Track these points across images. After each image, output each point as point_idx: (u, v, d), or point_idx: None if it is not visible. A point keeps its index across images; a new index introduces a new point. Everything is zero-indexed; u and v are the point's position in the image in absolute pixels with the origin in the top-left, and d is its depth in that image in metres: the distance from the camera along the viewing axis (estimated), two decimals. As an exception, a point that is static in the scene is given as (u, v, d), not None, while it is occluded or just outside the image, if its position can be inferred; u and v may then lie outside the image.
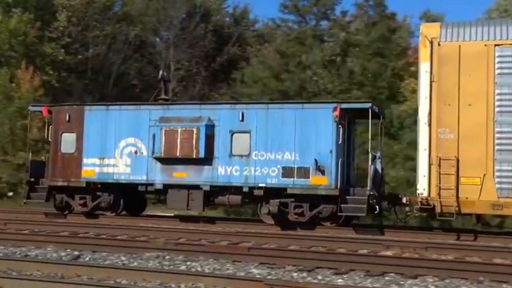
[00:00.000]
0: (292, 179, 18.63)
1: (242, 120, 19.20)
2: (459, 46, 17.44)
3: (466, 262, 12.05)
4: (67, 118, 21.02)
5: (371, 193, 18.02)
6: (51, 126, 21.42)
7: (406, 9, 78.09)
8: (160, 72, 22.16)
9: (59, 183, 21.01)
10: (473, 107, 17.16)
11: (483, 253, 13.57)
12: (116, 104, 21.64)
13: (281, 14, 38.13)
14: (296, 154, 18.61)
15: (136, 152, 20.22)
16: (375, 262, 11.52)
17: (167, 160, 19.72)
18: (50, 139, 21.41)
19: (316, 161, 18.34)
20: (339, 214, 18.30)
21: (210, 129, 19.40)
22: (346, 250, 13.79)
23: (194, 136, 19.35)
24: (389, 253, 13.60)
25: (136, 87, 42.54)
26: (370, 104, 18.61)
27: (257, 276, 10.46)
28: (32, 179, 21.32)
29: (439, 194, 17.21)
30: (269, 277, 10.38)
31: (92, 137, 20.72)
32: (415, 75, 33.67)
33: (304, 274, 10.74)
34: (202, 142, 19.27)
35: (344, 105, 18.69)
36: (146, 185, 20.20)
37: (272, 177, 18.80)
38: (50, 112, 21.40)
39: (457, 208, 17.09)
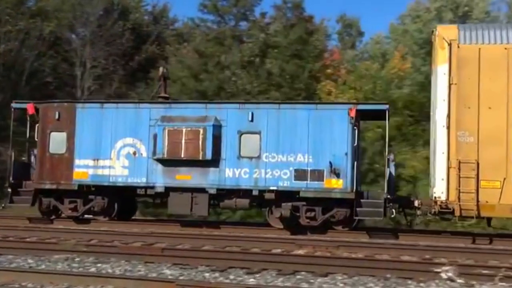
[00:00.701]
0: (305, 182, 18.02)
1: (252, 120, 18.45)
2: (479, 49, 17.33)
3: (374, 260, 12.25)
4: (57, 116, 19.55)
5: (388, 196, 17.80)
6: (37, 125, 19.99)
7: (323, 13, 79.23)
8: (161, 69, 20.94)
9: (47, 186, 19.51)
10: (493, 110, 17.05)
11: (392, 250, 13.79)
12: (112, 102, 20.41)
13: (200, 14, 37.81)
14: (309, 156, 18.01)
15: (134, 153, 19.04)
16: (287, 261, 11.67)
17: (170, 162, 18.64)
18: (36, 139, 20.02)
19: (331, 163, 17.83)
20: (354, 217, 17.96)
21: (217, 129, 18.51)
22: (260, 250, 13.73)
23: (201, 136, 18.40)
24: (301, 252, 13.64)
25: (50, 85, 40.62)
26: (387, 106, 18.31)
27: (169, 277, 10.40)
28: (13, 181, 19.91)
29: (458, 198, 17.18)
30: (181, 277, 10.35)
31: (85, 136, 19.33)
32: (331, 77, 34.37)
33: (217, 274, 10.78)
34: (209, 143, 18.35)
35: (360, 106, 18.34)
36: (146, 188, 19.06)
37: (284, 180, 18.12)
38: (36, 109, 19.96)
39: (476, 212, 17.14)
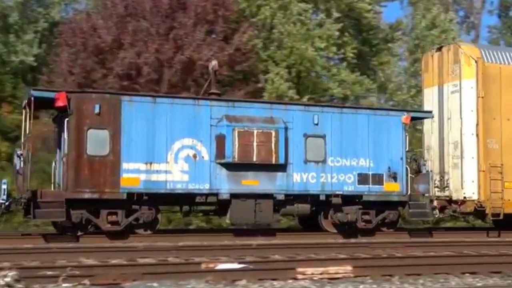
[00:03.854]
0: (367, 186, 17.54)
1: (317, 124, 17.67)
2: (500, 68, 19.62)
3: None
4: (97, 110, 15.80)
5: (434, 198, 19.18)
6: (67, 119, 15.95)
7: None
8: (213, 63, 18.09)
9: (86, 195, 15.20)
10: (511, 122, 20.02)
11: None
12: (166, 96, 17.07)
13: None
14: (370, 161, 17.57)
15: (195, 156, 16.36)
16: None
17: (236, 166, 16.29)
18: (66, 137, 15.96)
19: (389, 168, 18.07)
20: (409, 219, 18.92)
21: (286, 131, 17.25)
22: None
23: (273, 139, 16.69)
24: None
25: None
26: (432, 114, 19.62)
27: None
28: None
29: (490, 197, 19.50)
30: None
31: (134, 136, 15.59)
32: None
33: None
34: (281, 146, 16.69)
35: (413, 114, 18.92)
36: (207, 195, 16.50)
37: (349, 184, 17.54)
38: (69, 100, 15.90)
39: (502, 209, 19.73)
